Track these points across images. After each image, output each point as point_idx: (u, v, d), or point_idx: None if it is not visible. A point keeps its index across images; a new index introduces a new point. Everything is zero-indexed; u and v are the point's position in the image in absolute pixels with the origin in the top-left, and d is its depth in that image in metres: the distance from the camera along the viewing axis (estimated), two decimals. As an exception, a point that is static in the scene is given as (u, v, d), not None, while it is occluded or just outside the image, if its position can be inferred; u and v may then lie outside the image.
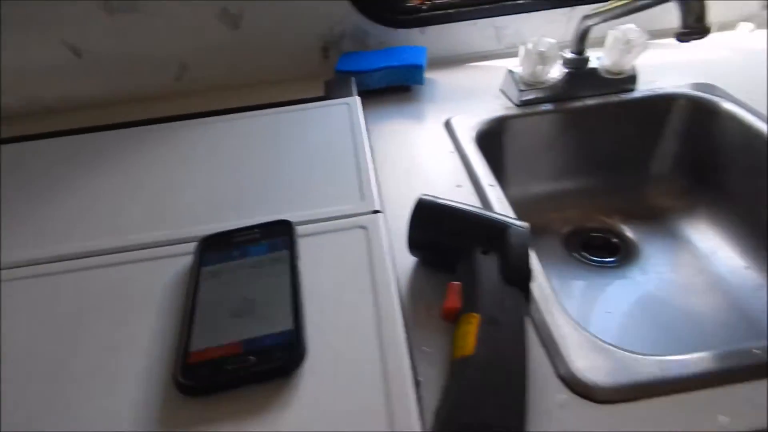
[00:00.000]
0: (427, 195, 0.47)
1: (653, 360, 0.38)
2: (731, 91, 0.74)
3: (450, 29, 0.89)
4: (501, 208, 0.55)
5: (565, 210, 0.78)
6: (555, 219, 0.78)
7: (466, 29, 0.89)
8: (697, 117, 0.74)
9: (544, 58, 0.72)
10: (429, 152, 0.68)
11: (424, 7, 0.87)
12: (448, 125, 0.72)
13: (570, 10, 0.90)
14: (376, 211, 0.49)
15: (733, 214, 0.71)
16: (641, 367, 0.38)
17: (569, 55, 0.74)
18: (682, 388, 0.37)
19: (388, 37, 0.88)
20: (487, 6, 0.88)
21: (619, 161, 0.79)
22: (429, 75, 0.87)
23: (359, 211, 0.49)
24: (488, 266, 0.41)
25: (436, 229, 0.45)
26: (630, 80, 0.76)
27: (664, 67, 0.83)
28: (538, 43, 0.71)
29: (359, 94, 0.79)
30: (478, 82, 0.83)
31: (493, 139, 0.74)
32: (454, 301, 0.40)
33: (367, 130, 0.73)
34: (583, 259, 0.73)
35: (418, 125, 0.74)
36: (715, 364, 0.38)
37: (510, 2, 0.88)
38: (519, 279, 0.40)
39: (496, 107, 0.76)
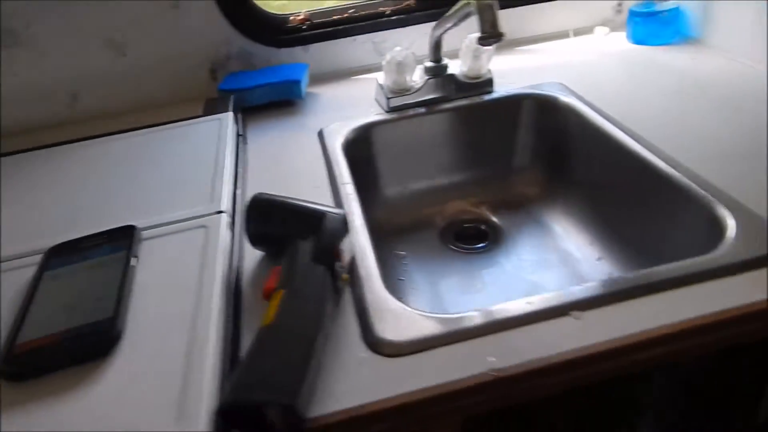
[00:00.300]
0: (262, 193, 0.52)
1: (439, 317, 0.44)
2: (577, 88, 0.83)
3: (331, 46, 0.96)
4: (348, 203, 0.61)
5: (440, 205, 0.85)
6: (433, 213, 0.84)
7: (347, 45, 0.96)
8: (544, 113, 0.82)
9: (403, 67, 0.79)
10: (300, 159, 0.73)
11: (304, 26, 0.94)
12: (320, 134, 0.78)
13: (442, 24, 0.98)
14: (219, 212, 0.54)
15: (580, 197, 0.79)
16: (429, 325, 0.44)
17: (428, 63, 0.82)
18: (459, 339, 0.43)
19: (273, 57, 0.94)
20: (363, 23, 0.95)
21: (486, 157, 0.87)
22: (312, 89, 0.93)
23: (205, 213, 0.54)
24: (304, 249, 0.46)
25: (266, 222, 0.50)
26: (487, 83, 0.84)
27: (524, 70, 0.91)
28: (396, 54, 0.79)
29: (243, 111, 0.85)
30: (357, 94, 0.90)
31: (364, 144, 0.80)
32: (271, 282, 0.45)
33: (246, 142, 0.79)
34: (456, 248, 0.80)
35: (295, 135, 0.80)
36: (486, 318, 0.44)
37: (384, 19, 0.95)
38: (326, 259, 0.45)
39: (368, 115, 0.82)
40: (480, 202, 0.85)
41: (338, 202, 0.63)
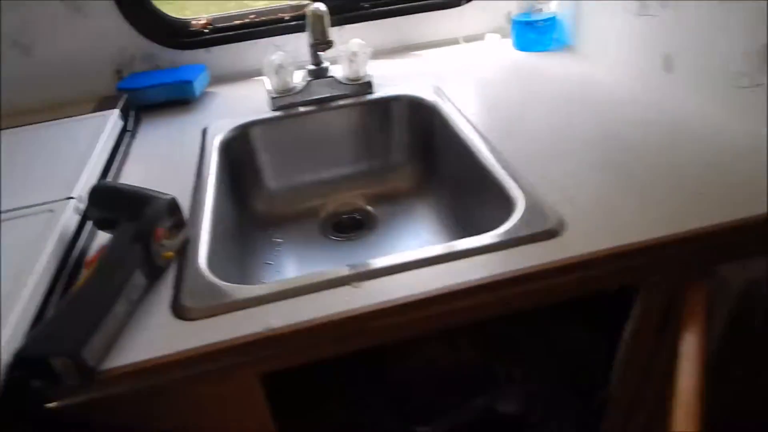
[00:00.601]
0: (104, 181, 0.58)
1: (240, 287, 0.51)
2: (451, 90, 0.90)
3: (234, 48, 1.03)
4: (201, 194, 0.68)
5: (324, 197, 0.92)
6: (316, 205, 0.91)
7: (248, 48, 1.03)
8: (415, 113, 0.90)
9: (282, 70, 0.86)
10: (178, 154, 0.80)
11: (206, 30, 1.01)
12: (204, 132, 0.84)
13: (339, 28, 1.05)
14: (69, 198, 0.60)
15: (444, 188, 0.87)
16: (230, 294, 0.50)
17: (310, 66, 0.89)
18: (251, 305, 0.49)
19: (177, 58, 1.00)
20: (263, 28, 1.02)
21: (367, 153, 0.94)
22: (213, 89, 1.00)
23: (56, 199, 0.60)
24: (126, 229, 0.52)
25: (102, 207, 0.56)
26: (366, 85, 0.91)
27: (409, 74, 0.99)
28: (276, 58, 0.85)
29: (142, 108, 0.91)
30: (253, 94, 0.96)
31: (245, 141, 0.86)
32: (94, 257, 0.52)
33: (134, 137, 0.85)
34: (331, 237, 0.86)
35: (182, 132, 0.86)
36: (279, 287, 0.51)
37: (282, 24, 1.02)
38: (143, 238, 0.52)
39: (258, 113, 0.89)
40: (361, 195, 0.92)
41: (197, 192, 0.69)
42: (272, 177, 0.90)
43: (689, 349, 0.51)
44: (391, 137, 0.93)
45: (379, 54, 1.07)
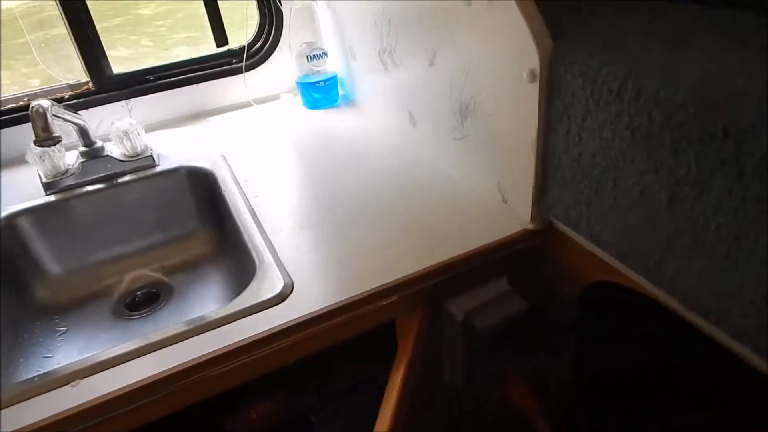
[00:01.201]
0: None
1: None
2: (234, 154, 0.95)
3: (11, 132, 0.99)
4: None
5: (117, 275, 0.91)
6: (108, 285, 0.90)
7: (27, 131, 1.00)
8: (198, 182, 0.94)
9: (46, 156, 0.85)
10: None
11: (-26, 118, 0.97)
12: (-36, 226, 0.81)
13: (127, 102, 1.06)
14: None
15: (233, 252, 0.91)
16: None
17: (82, 148, 0.89)
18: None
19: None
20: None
21: (159, 224, 0.95)
22: (-8, 175, 0.96)
23: None
24: None
25: None
26: (148, 159, 0.93)
27: (198, 141, 1.03)
28: (32, 148, 0.84)
29: None
30: (26, 179, 0.93)
31: (16, 229, 0.84)
32: None
33: None
34: (123, 316, 0.86)
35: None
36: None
37: (63, 104, 1.01)
38: None
39: (28, 199, 0.87)
40: (157, 267, 0.93)
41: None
42: (55, 262, 0.88)
43: (394, 380, 0.59)
44: (181, 207, 0.95)
45: (171, 123, 1.11)
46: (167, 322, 0.84)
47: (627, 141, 0.50)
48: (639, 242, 0.53)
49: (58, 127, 0.70)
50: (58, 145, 0.86)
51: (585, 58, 0.51)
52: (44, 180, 0.87)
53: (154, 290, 0.90)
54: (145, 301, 0.89)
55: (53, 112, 0.73)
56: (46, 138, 0.66)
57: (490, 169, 0.73)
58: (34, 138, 0.67)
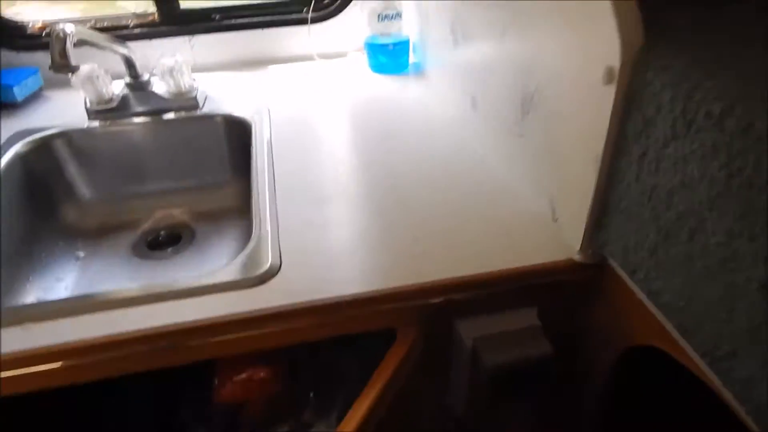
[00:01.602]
0: None
1: None
2: (280, 108, 0.89)
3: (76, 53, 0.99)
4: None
5: (144, 212, 0.90)
6: (135, 220, 0.89)
7: (93, 53, 1.00)
8: (235, 132, 0.88)
9: (93, 82, 0.83)
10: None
11: (43, 34, 0.97)
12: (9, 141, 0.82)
13: (190, 38, 1.03)
14: None
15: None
16: None
17: (128, 79, 0.86)
18: None
19: (14, 60, 0.97)
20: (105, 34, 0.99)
21: (194, 169, 0.92)
22: (49, 93, 0.97)
23: None
24: None
25: None
26: (192, 100, 0.89)
27: (248, 90, 0.97)
28: (86, 71, 0.83)
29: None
30: (68, 102, 0.93)
31: (51, 151, 0.84)
32: None
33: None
34: (141, 254, 0.84)
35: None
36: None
37: (126, 32, 0.99)
38: None
39: (77, 121, 0.86)
40: (185, 211, 0.91)
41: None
42: (88, 188, 0.88)
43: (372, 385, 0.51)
44: (216, 154, 0.91)
45: (229, 66, 1.06)
46: (181, 267, 0.81)
47: (719, 186, 0.36)
48: (709, 322, 0.40)
49: (94, 56, 0.66)
50: (103, 73, 0.85)
51: (683, 66, 0.37)
52: (88, 106, 0.85)
53: (177, 233, 0.88)
54: (166, 241, 0.87)
55: (94, 40, 0.69)
56: (62, 65, 0.63)
57: (544, 179, 0.61)
58: (50, 63, 0.64)
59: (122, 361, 0.50)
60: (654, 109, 0.41)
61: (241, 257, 0.57)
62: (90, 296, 0.55)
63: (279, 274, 0.55)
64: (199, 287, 0.53)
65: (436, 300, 0.55)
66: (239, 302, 0.52)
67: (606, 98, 0.44)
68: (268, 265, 0.55)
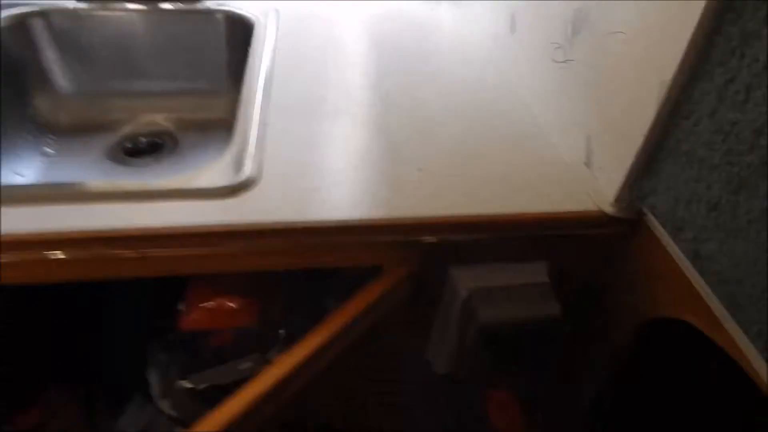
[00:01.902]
0: None
1: None
2: (291, 12, 0.79)
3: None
4: None
5: (128, 112, 0.81)
6: (116, 120, 0.80)
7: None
8: (236, 32, 0.78)
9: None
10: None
11: None
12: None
13: None
14: None
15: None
16: None
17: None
18: None
19: None
20: None
21: (188, 71, 0.82)
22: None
23: None
24: None
25: None
26: (194, -8, 0.78)
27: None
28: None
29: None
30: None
31: (28, 30, 0.74)
32: None
33: None
34: (114, 159, 0.76)
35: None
36: None
37: None
38: None
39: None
40: (171, 117, 0.82)
41: None
42: (66, 79, 0.79)
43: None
44: (213, 57, 0.81)
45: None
46: (156, 178, 0.73)
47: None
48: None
49: None
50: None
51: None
52: (77, -18, 0.75)
53: (158, 141, 0.79)
54: (146, 148, 0.79)
55: None
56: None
57: (584, 115, 0.51)
58: None
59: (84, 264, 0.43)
60: (758, 21, 0.31)
61: (217, 164, 0.48)
62: (46, 185, 0.48)
63: (256, 188, 0.46)
64: (157, 191, 0.45)
65: (429, 238, 0.47)
66: (205, 212, 0.44)
67: (689, 8, 0.34)
68: (245, 177, 0.47)
